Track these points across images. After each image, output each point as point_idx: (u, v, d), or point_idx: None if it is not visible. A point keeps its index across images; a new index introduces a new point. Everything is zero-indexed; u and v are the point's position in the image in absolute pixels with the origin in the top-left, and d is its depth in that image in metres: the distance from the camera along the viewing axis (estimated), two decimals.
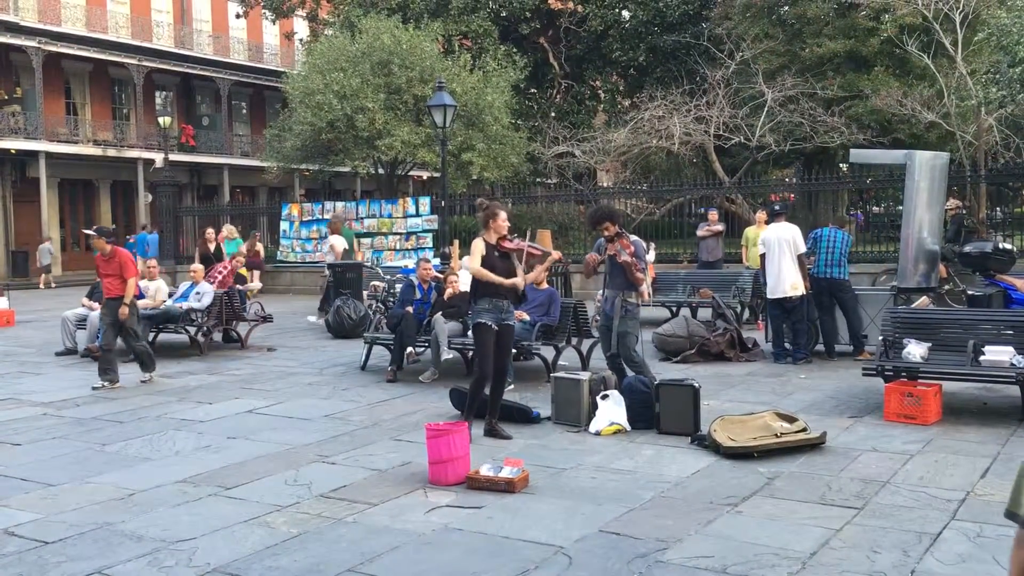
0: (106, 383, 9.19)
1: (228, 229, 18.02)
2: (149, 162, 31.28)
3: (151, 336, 11.59)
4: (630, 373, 7.60)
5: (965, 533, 4.61)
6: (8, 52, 29.41)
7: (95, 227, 9.96)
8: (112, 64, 31.89)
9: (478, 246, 6.78)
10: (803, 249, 9.86)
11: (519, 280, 6.80)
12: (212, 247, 14.78)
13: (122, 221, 33.70)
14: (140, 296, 11.42)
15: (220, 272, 13.58)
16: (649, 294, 8.15)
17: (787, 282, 9.80)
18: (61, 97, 31.56)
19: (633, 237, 7.75)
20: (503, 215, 6.87)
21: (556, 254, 7.38)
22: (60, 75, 31.19)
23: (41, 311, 18.24)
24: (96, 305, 11.89)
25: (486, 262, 6.73)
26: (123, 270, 9.26)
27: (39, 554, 4.56)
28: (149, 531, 4.86)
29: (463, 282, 9.64)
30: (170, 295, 12.07)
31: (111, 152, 31.39)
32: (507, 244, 6.86)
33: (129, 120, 33.44)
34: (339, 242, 15.91)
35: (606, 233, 7.53)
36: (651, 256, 9.46)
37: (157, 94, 34.84)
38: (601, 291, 7.95)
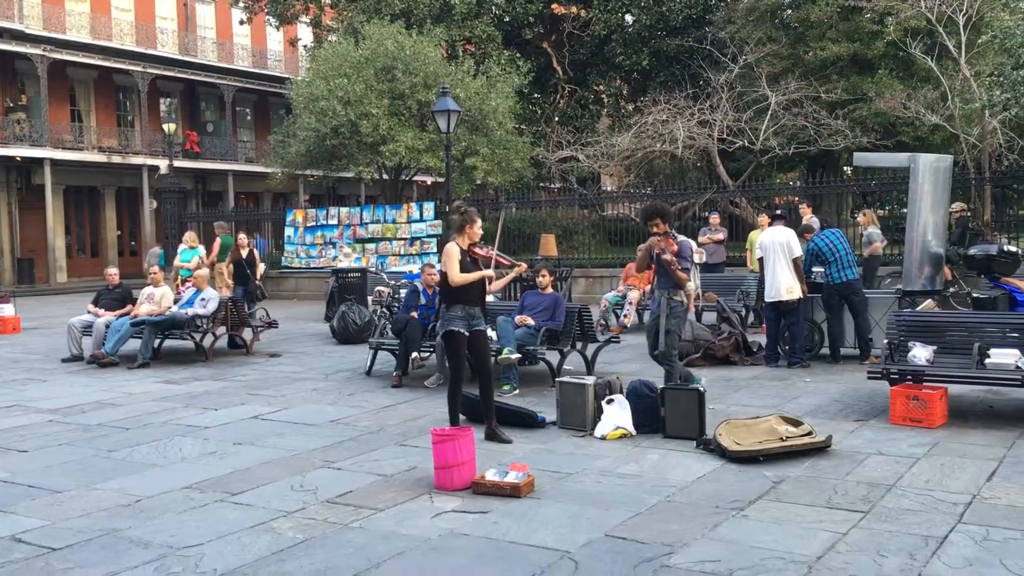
0: None
1: (189, 236, 16.83)
2: (154, 168, 31.33)
3: (156, 342, 11.64)
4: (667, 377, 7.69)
5: (972, 536, 4.60)
6: (13, 60, 29.52)
7: None
8: (116, 71, 31.98)
9: (454, 251, 6.78)
10: (798, 253, 9.84)
11: (491, 272, 6.89)
12: (245, 253, 14.67)
13: (127, 227, 33.81)
14: None
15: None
16: (697, 295, 8.25)
17: (782, 286, 9.78)
18: (66, 104, 31.67)
19: (681, 238, 7.80)
20: (479, 223, 6.97)
21: (521, 266, 7.45)
22: (65, 82, 31.30)
23: (47, 318, 18.29)
24: (102, 312, 11.94)
25: (462, 267, 6.75)
26: None
27: (46, 560, 4.57)
28: (156, 537, 4.87)
29: None
30: (175, 301, 12.09)
31: (116, 159, 31.46)
32: (477, 251, 6.95)
33: (134, 127, 33.54)
34: (186, 255, 16.17)
35: (655, 230, 7.64)
36: (698, 258, 9.32)
37: (162, 101, 34.94)
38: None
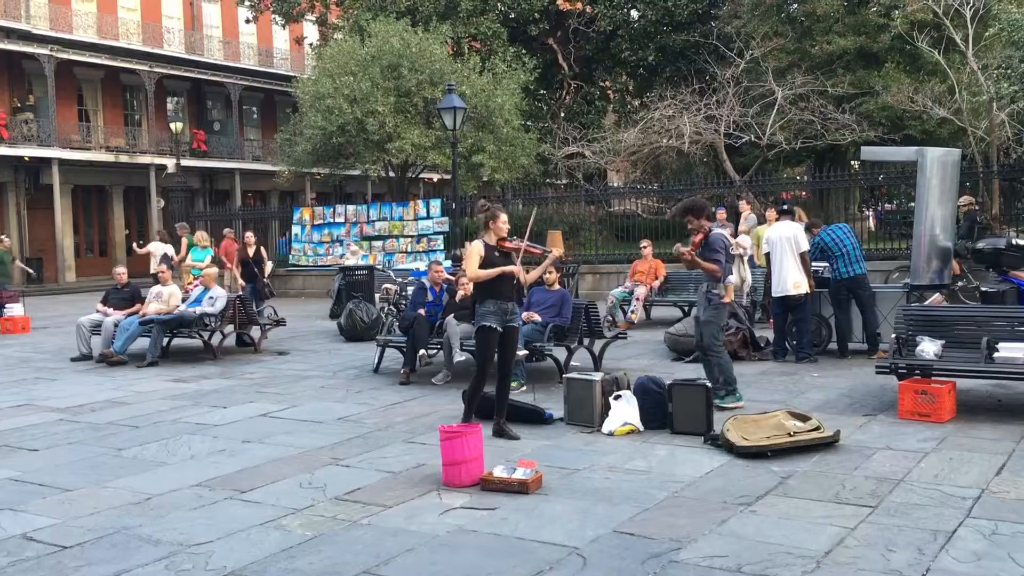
0: None
1: (200, 235, 16.35)
2: (161, 167, 31.45)
3: (165, 341, 11.68)
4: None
5: (980, 531, 4.60)
6: (21, 60, 29.62)
7: None
8: (123, 70, 32.07)
9: (476, 248, 6.80)
10: (805, 247, 9.81)
11: (518, 268, 6.78)
12: (252, 251, 14.65)
13: (135, 226, 33.90)
14: None
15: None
16: (735, 285, 8.29)
17: (789, 281, 9.76)
18: (73, 104, 31.76)
19: (716, 231, 7.79)
20: (503, 216, 6.91)
21: (556, 251, 7.39)
22: (72, 82, 31.40)
23: (56, 317, 18.36)
24: (111, 311, 11.98)
25: (486, 263, 6.76)
26: None
27: (58, 559, 4.60)
28: (166, 535, 4.89)
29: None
30: (183, 299, 12.13)
31: (123, 158, 31.56)
32: (507, 244, 6.92)
33: (141, 126, 33.63)
34: (157, 248, 17.06)
35: (689, 227, 7.78)
36: (736, 250, 9.13)
37: (168, 100, 35.02)
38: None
